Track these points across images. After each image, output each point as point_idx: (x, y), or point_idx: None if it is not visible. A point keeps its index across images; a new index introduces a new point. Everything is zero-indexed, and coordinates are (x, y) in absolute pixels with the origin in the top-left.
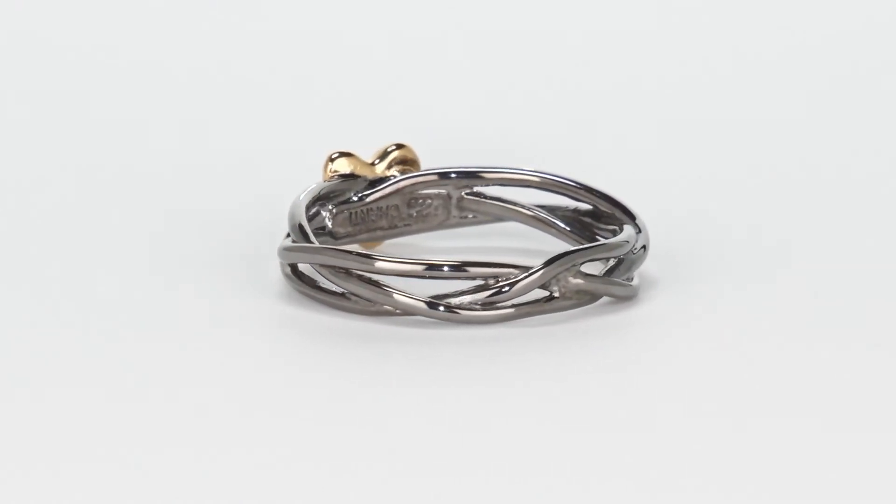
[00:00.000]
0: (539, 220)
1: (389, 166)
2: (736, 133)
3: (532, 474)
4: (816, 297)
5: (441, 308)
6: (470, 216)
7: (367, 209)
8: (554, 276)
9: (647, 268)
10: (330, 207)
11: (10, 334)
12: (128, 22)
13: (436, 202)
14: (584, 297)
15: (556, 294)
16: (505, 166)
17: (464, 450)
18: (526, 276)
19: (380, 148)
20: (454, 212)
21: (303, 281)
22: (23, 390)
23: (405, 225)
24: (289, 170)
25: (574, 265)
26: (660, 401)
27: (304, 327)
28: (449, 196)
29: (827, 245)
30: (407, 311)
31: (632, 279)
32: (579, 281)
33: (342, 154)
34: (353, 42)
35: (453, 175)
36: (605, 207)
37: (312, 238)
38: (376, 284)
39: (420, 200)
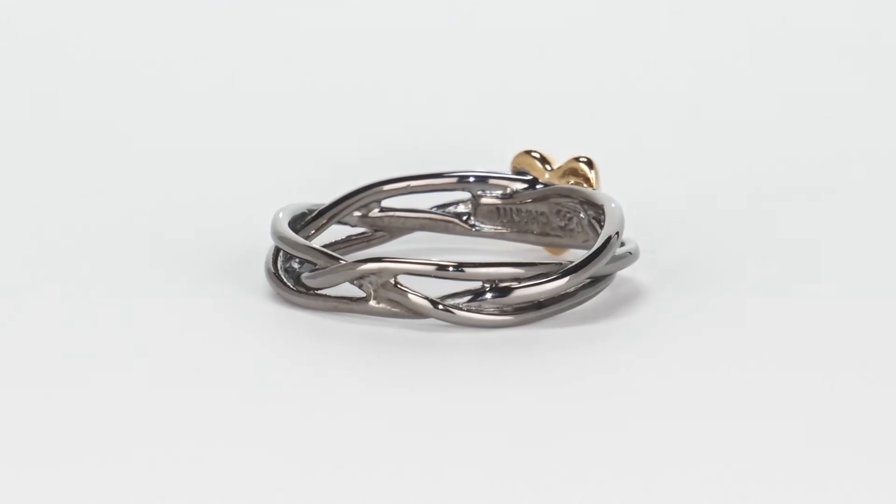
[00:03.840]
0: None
1: (562, 175)
2: (735, 135)
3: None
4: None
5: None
6: None
7: (517, 209)
8: (362, 277)
9: (639, 275)
10: (480, 193)
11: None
12: (129, 24)
13: (576, 218)
14: (403, 310)
15: (368, 297)
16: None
17: (455, 451)
18: (326, 269)
19: (570, 156)
20: (591, 234)
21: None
22: (17, 389)
23: (556, 236)
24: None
25: (382, 272)
26: (641, 407)
27: (293, 326)
28: (583, 216)
29: (826, 251)
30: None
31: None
32: (390, 292)
33: (530, 152)
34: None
35: (575, 195)
36: None
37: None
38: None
39: (566, 213)
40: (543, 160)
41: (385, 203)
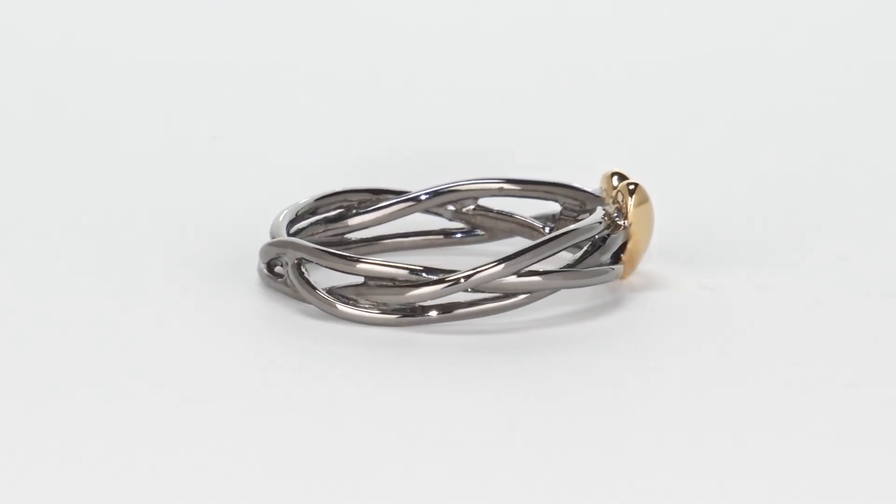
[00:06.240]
0: None
1: (613, 196)
2: (728, 132)
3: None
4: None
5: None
6: None
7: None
8: (276, 256)
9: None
10: (568, 203)
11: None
12: (151, 18)
13: None
14: (295, 293)
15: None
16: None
17: (445, 453)
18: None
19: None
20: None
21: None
22: (14, 389)
23: None
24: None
25: (283, 254)
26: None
27: (284, 326)
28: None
29: (827, 249)
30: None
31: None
32: (292, 274)
33: (615, 173)
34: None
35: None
36: None
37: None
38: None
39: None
40: (621, 180)
41: (482, 202)
